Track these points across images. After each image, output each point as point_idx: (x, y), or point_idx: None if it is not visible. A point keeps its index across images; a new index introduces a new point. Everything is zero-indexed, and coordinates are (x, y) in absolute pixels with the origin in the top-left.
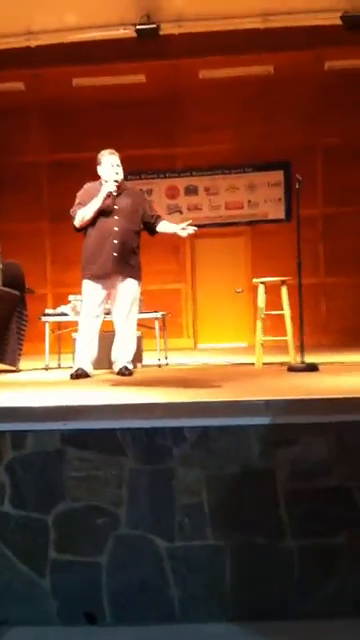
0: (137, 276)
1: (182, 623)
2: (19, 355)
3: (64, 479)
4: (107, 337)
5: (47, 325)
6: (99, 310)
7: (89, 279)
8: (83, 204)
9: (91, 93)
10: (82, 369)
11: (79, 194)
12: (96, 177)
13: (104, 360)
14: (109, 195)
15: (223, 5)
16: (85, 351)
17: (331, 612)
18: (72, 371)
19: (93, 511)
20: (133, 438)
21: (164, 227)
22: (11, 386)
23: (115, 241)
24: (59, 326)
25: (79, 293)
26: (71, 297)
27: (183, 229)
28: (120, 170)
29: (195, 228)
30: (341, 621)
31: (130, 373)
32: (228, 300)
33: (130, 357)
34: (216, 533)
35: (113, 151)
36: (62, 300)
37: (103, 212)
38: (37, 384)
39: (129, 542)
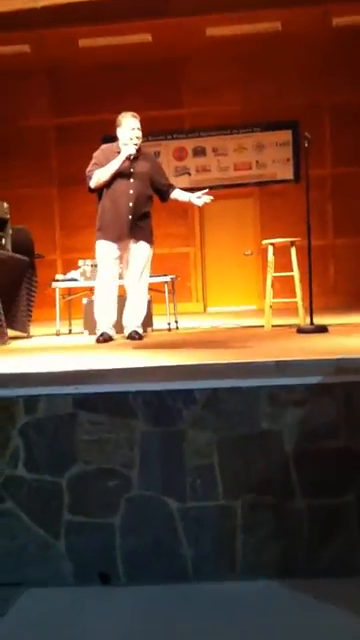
0: (150, 240)
1: (194, 582)
2: (29, 321)
3: (76, 442)
4: (119, 301)
5: (57, 291)
6: (115, 272)
7: (104, 240)
8: (99, 165)
9: (97, 54)
10: (106, 333)
11: (95, 154)
12: (105, 139)
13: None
14: (128, 158)
15: None
16: (106, 315)
17: (341, 570)
18: (97, 336)
19: (105, 473)
20: (144, 401)
21: (178, 194)
22: (22, 352)
23: (130, 204)
24: (69, 291)
25: (88, 258)
26: (80, 262)
27: (199, 197)
28: (140, 134)
29: (211, 197)
30: (350, 580)
31: (140, 337)
32: (237, 263)
33: (140, 321)
34: (227, 494)
35: (135, 114)
36: (71, 265)
37: (120, 174)
38: (48, 349)
39: (141, 503)
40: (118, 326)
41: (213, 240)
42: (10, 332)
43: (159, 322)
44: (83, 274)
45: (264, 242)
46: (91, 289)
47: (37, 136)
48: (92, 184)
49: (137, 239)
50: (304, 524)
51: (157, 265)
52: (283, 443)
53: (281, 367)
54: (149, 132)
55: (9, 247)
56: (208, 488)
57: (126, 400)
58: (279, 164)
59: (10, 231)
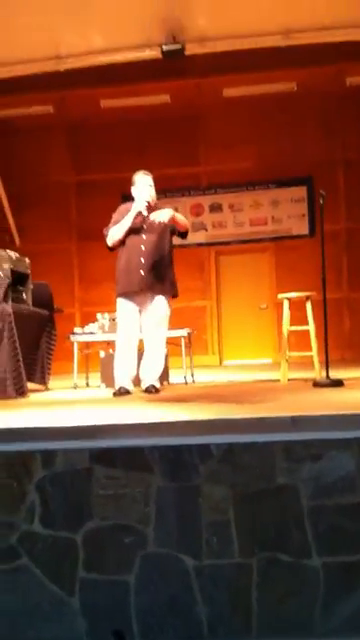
0: (168, 293)
1: None
2: (48, 374)
3: (92, 497)
4: (138, 354)
5: (75, 344)
6: (134, 327)
7: (121, 297)
8: (116, 224)
9: (117, 113)
10: (124, 387)
11: (114, 214)
12: (127, 196)
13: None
14: (139, 214)
15: (246, 24)
16: (124, 369)
17: (356, 629)
18: (115, 390)
19: (121, 529)
20: (160, 455)
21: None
22: (41, 405)
23: (142, 259)
24: (87, 345)
25: (107, 311)
26: (99, 316)
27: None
28: (152, 190)
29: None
30: None
31: (157, 391)
32: (253, 316)
33: (157, 375)
34: (242, 550)
35: (147, 172)
36: (89, 318)
37: (133, 231)
38: (66, 403)
39: (157, 560)
40: (136, 379)
41: (229, 294)
42: (28, 385)
43: (175, 375)
44: (101, 327)
45: (280, 296)
46: (109, 343)
47: (58, 192)
48: (109, 242)
49: (154, 293)
50: (320, 582)
51: (174, 318)
52: (299, 498)
53: (297, 422)
54: (167, 189)
55: (30, 301)
56: (224, 545)
57: (142, 454)
58: (294, 219)
59: (31, 286)
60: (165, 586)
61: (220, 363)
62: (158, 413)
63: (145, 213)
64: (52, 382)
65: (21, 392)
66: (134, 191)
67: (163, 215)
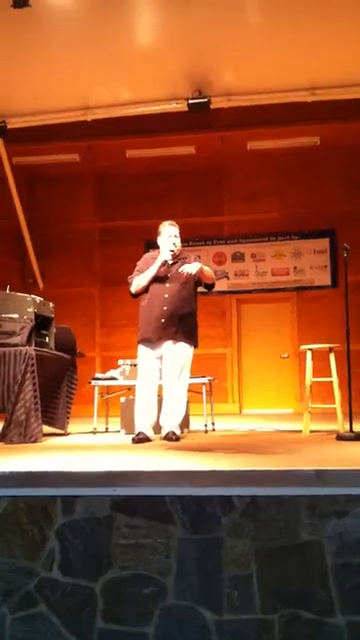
0: (190, 341)
1: None
2: (68, 418)
3: (112, 546)
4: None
5: (96, 389)
6: (154, 373)
7: (142, 344)
8: (141, 272)
9: (142, 163)
10: (143, 434)
11: (139, 263)
12: (151, 244)
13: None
14: (164, 264)
15: (272, 80)
16: (144, 415)
17: None
18: (134, 436)
19: (141, 580)
20: (182, 506)
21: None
22: (60, 450)
23: (165, 308)
24: (107, 390)
25: (127, 357)
26: (120, 362)
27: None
28: (177, 241)
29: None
30: None
31: (177, 439)
32: (274, 365)
33: (177, 422)
34: (265, 606)
35: (173, 223)
36: (109, 363)
37: (157, 279)
38: (86, 448)
39: (176, 613)
40: (156, 426)
41: (250, 342)
42: (47, 428)
43: (196, 422)
44: (122, 373)
45: (302, 347)
46: (129, 388)
47: (82, 238)
48: (132, 289)
49: (176, 340)
50: None
51: (194, 365)
52: (324, 555)
53: (322, 476)
54: (190, 238)
55: (52, 345)
56: (245, 600)
57: (164, 504)
58: (317, 270)
59: (54, 330)
60: None
61: (240, 411)
62: (180, 461)
63: (170, 261)
64: (71, 426)
65: (38, 436)
66: (160, 240)
67: (192, 267)
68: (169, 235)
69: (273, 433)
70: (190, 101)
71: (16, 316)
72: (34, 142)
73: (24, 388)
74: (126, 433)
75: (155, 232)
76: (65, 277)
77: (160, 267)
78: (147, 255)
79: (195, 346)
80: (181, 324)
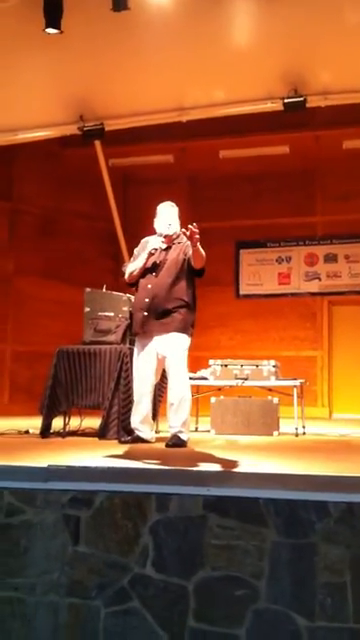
0: (180, 330)
1: None
2: (156, 417)
3: (205, 546)
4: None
5: None
6: (146, 368)
7: (136, 338)
8: (136, 259)
9: (235, 164)
10: (136, 435)
11: (136, 249)
12: (242, 243)
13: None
14: (153, 253)
15: None
16: (137, 414)
17: None
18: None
19: (233, 581)
20: (276, 510)
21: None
22: (152, 447)
23: (146, 300)
24: (197, 389)
25: (217, 357)
26: (211, 361)
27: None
28: (172, 222)
29: (194, 225)
30: None
31: (183, 444)
32: None
33: (180, 422)
34: (358, 615)
35: (172, 204)
36: (200, 363)
37: (148, 268)
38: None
39: (268, 617)
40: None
41: (341, 344)
42: None
43: (286, 425)
44: (213, 373)
45: None
46: (220, 388)
47: None
48: (126, 278)
49: (161, 332)
50: None
51: (284, 368)
52: None
53: None
54: (281, 238)
55: None
56: (338, 608)
57: (257, 507)
58: None
59: None
60: None
61: (330, 416)
62: (274, 464)
63: (164, 246)
64: (159, 424)
65: (131, 433)
66: (155, 223)
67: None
68: (164, 218)
69: None
70: (286, 100)
71: (112, 314)
72: (130, 144)
73: (119, 386)
74: (216, 433)
75: (246, 231)
76: None
77: (149, 255)
78: (143, 240)
79: (189, 336)
80: (166, 314)
